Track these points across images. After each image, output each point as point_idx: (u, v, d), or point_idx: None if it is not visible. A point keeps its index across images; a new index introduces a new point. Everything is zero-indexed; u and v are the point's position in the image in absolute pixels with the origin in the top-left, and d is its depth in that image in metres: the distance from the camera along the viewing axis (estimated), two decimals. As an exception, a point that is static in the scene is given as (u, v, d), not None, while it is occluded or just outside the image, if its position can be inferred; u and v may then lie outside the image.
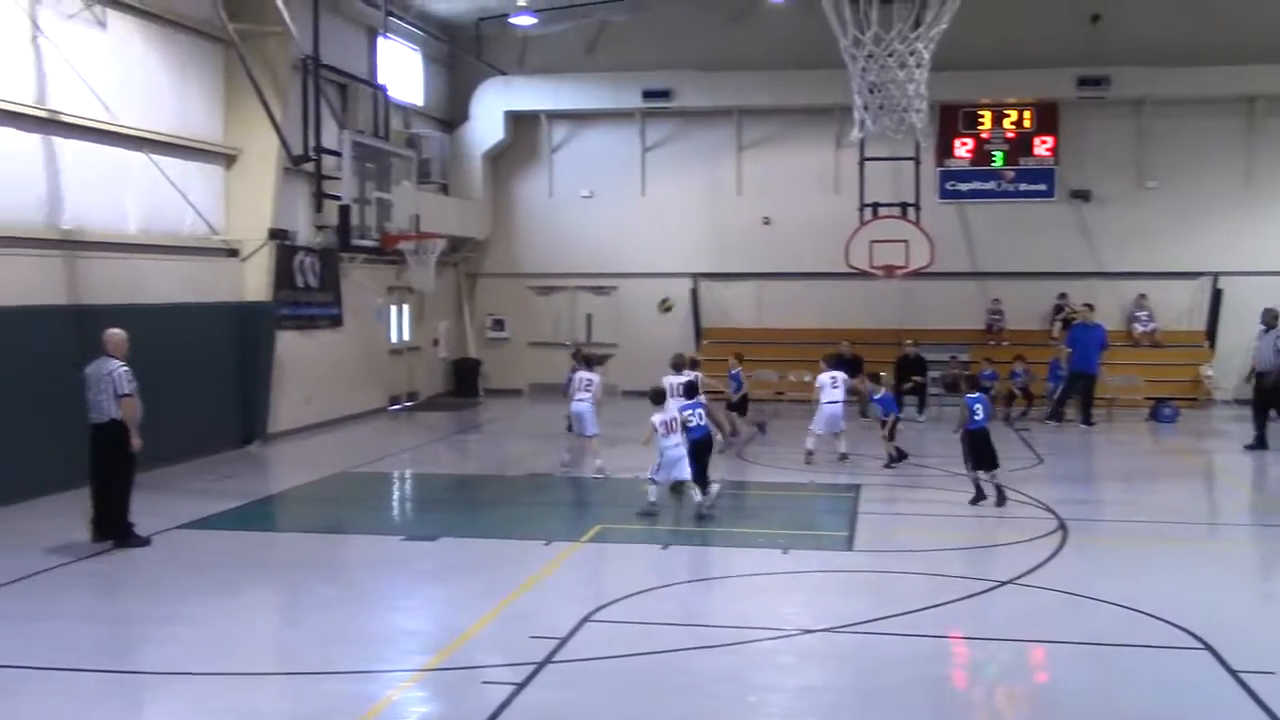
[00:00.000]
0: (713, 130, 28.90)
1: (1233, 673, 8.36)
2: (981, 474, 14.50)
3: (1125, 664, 8.81)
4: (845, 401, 18.48)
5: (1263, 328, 19.83)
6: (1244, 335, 25.71)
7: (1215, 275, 26.85)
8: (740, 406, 20.07)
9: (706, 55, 27.86)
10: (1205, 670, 8.51)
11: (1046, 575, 11.22)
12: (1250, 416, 20.14)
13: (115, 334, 12.39)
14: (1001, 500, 14.30)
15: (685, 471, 13.70)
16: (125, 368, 12.14)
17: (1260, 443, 19.40)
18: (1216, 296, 26.88)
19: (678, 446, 13.71)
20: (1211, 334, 26.96)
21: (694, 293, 28.93)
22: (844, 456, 17.98)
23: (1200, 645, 8.95)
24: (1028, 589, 10.80)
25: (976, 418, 14.50)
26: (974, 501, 14.45)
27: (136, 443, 12.18)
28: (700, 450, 14.16)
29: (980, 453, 14.46)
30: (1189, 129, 27.03)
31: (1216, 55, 25.82)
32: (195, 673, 8.57)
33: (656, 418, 13.82)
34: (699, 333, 28.70)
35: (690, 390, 15.88)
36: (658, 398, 14.36)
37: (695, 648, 9.04)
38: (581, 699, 8.09)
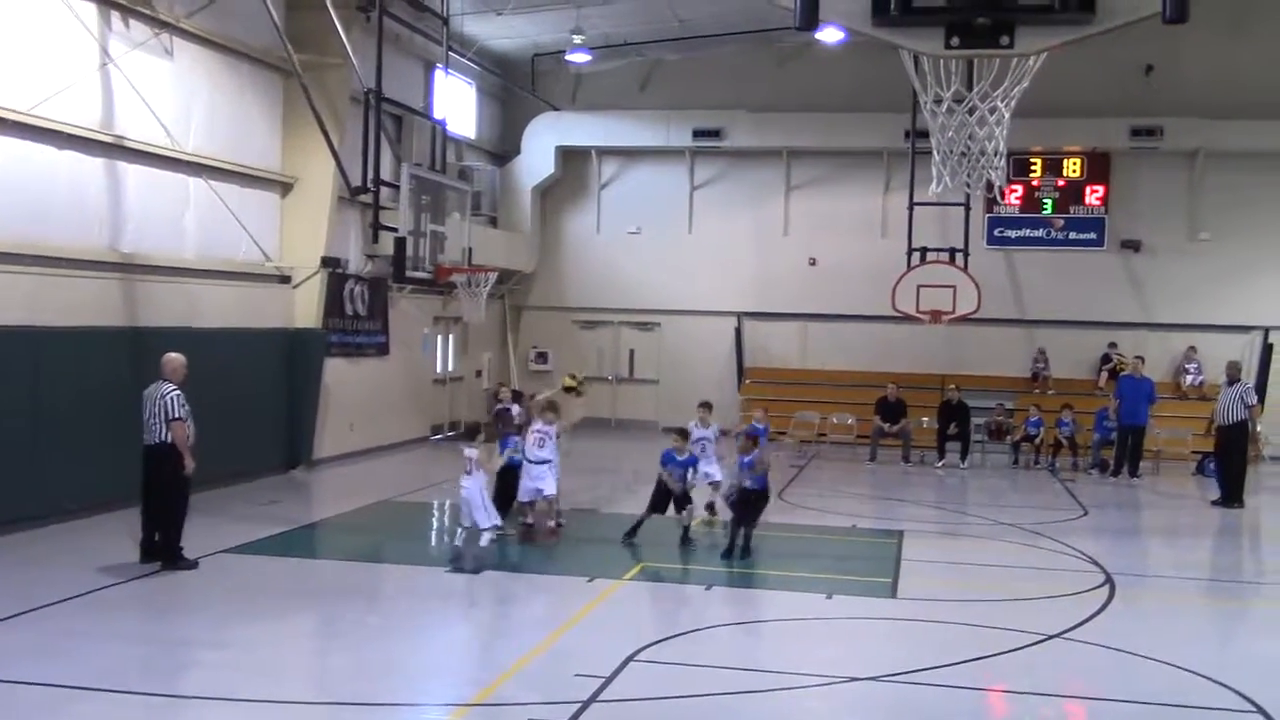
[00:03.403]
0: (761, 170, 29.01)
1: (1286, 738, 8.27)
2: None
3: (1175, 725, 8.71)
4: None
5: (1225, 381, 19.76)
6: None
7: (1266, 330, 26.62)
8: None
9: (757, 96, 28.02)
10: (1257, 734, 8.42)
11: (1093, 630, 11.10)
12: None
13: (172, 358, 12.55)
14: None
15: (479, 517, 13.05)
16: (177, 392, 12.28)
17: (1231, 499, 19.09)
18: (1267, 351, 26.61)
19: (466, 488, 13.13)
20: (1261, 389, 26.61)
21: (738, 331, 28.94)
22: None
23: (1252, 708, 8.83)
24: (1075, 644, 10.69)
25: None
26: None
27: (189, 465, 12.31)
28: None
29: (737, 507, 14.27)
30: (1242, 182, 26.81)
31: (1272, 109, 25.69)
32: (239, 699, 8.61)
33: (469, 452, 13.35)
34: (741, 372, 28.69)
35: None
36: (471, 432, 14.25)
37: (740, 692, 9.00)
38: (625, 740, 8.09)
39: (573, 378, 15.31)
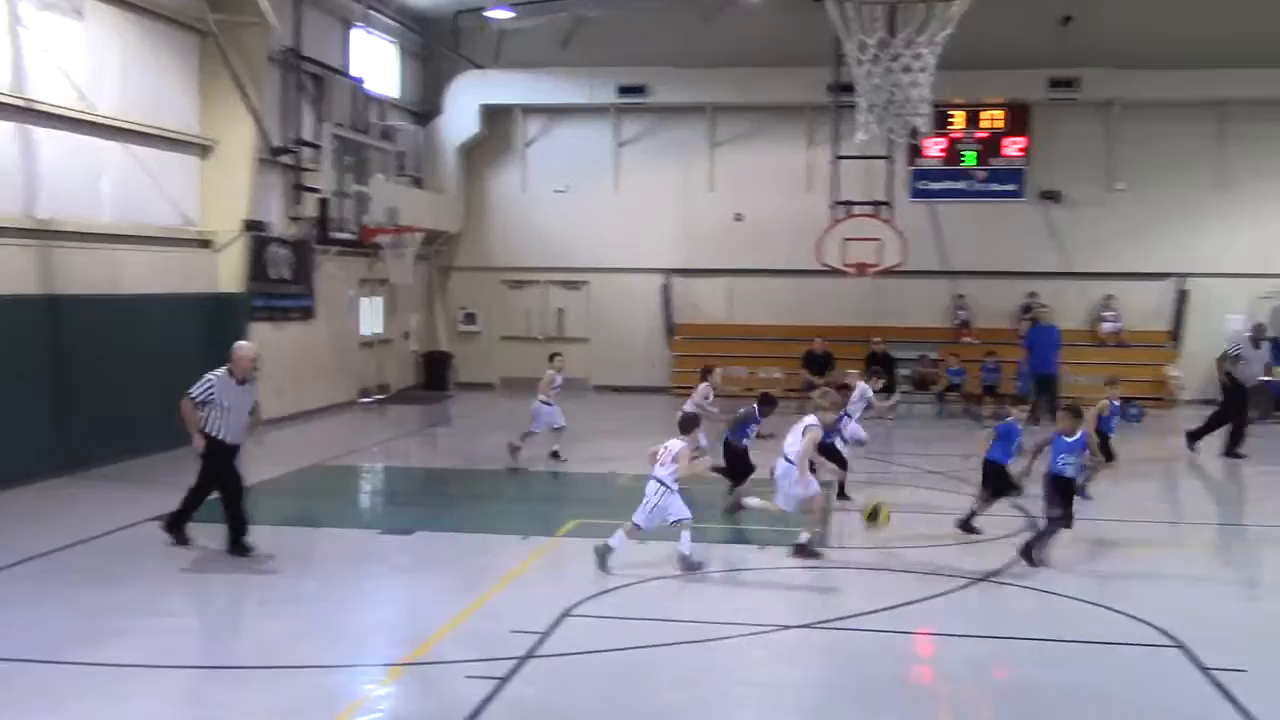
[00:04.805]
0: (686, 126, 28.97)
1: (1204, 670, 8.55)
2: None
3: (1097, 661, 8.96)
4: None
5: (1250, 339, 20.09)
6: (1209, 336, 26.22)
7: (1182, 276, 27.20)
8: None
9: (681, 51, 27.90)
10: (1177, 668, 8.70)
11: (1020, 573, 11.38)
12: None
13: (237, 346, 12.12)
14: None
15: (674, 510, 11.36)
16: (211, 376, 11.78)
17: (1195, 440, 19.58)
18: (1182, 298, 27.23)
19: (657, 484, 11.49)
20: (1176, 335, 27.33)
21: (665, 288, 28.99)
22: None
23: (1173, 643, 9.13)
24: (1002, 586, 10.96)
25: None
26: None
27: (195, 442, 11.77)
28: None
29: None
30: (1158, 132, 27.27)
31: (1187, 59, 26.10)
32: (170, 666, 8.61)
33: (673, 444, 11.55)
34: (670, 328, 28.79)
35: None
36: (689, 424, 12.09)
37: (675, 643, 9.11)
38: (563, 694, 8.17)
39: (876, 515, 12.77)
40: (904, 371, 24.99)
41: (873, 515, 12.42)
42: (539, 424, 17.65)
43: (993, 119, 28.07)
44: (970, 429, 22.51)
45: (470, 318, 29.96)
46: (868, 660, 8.96)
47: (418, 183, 27.36)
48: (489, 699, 7.82)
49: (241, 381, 11.88)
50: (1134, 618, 9.79)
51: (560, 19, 28.04)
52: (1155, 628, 9.48)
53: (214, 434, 11.75)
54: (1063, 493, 11.55)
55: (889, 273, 25.18)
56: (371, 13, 23.80)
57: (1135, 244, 27.43)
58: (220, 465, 11.83)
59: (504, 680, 8.15)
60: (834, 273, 25.33)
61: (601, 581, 10.72)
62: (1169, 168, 27.31)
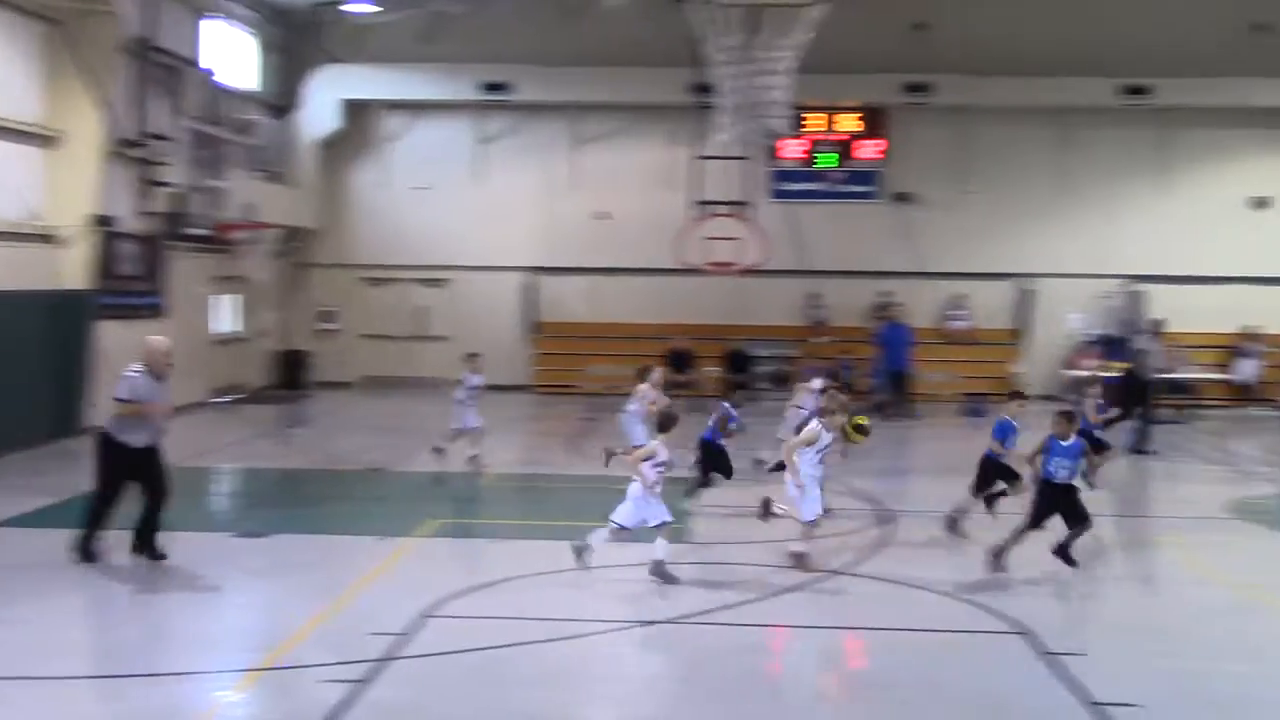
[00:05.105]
0: (549, 125, 28.95)
1: (1046, 655, 8.90)
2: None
3: (945, 649, 9.27)
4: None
5: (1150, 332, 20.79)
6: (1053, 334, 27.27)
7: (1027, 277, 28.15)
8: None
9: (544, 50, 27.80)
10: (1020, 653, 9.04)
11: (874, 565, 11.68)
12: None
13: (144, 340, 11.70)
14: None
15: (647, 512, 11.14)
16: (132, 375, 11.31)
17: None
18: (1028, 297, 28.19)
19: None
20: (1022, 333, 28.29)
21: (527, 286, 28.92)
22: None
23: (1018, 630, 9.48)
24: (856, 578, 11.22)
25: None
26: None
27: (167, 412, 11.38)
28: None
29: None
30: (1007, 136, 28.21)
31: (1032, 67, 26.92)
32: (13, 677, 8.28)
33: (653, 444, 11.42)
34: (532, 326, 28.75)
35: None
36: (666, 423, 11.62)
37: (535, 641, 9.13)
38: (424, 695, 8.13)
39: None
40: (766, 369, 25.39)
41: (858, 429, 12.47)
42: (467, 423, 16.81)
43: (851, 122, 28.64)
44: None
45: (329, 315, 29.44)
46: (728, 654, 9.10)
47: (276, 178, 26.81)
48: (346, 702, 7.74)
49: (159, 377, 11.39)
50: (981, 606, 10.13)
51: (421, 15, 27.70)
52: (1001, 616, 9.82)
53: (123, 439, 11.21)
54: (1063, 499, 11.09)
55: (749, 272, 25.52)
56: (231, 3, 23.20)
57: (984, 245, 28.30)
58: (132, 471, 11.29)
59: (362, 683, 8.07)
60: (695, 272, 25.58)
61: (461, 581, 10.67)
62: (1016, 171, 28.29)
